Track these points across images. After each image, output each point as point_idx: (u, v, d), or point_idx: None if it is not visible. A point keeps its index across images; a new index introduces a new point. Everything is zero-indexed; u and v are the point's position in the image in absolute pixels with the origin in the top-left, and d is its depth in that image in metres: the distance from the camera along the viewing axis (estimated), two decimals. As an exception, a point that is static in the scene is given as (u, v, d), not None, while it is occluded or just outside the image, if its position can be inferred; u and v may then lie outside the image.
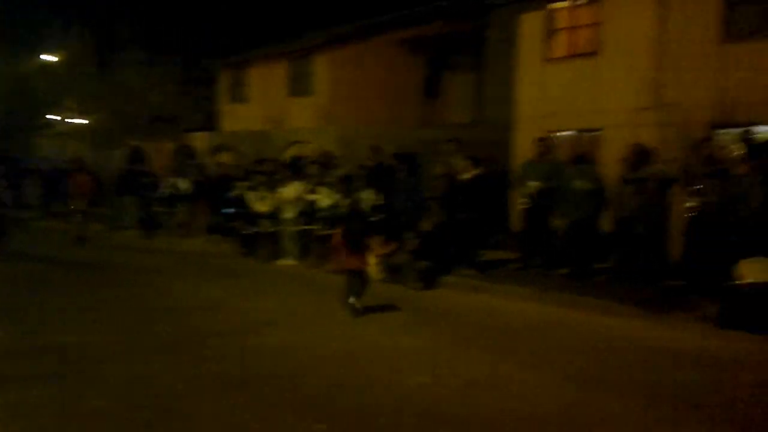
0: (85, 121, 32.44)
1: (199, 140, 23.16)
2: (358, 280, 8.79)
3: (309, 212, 12.85)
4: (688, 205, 9.73)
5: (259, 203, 13.51)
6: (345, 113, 19.99)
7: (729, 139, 10.90)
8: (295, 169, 13.78)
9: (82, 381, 6.11)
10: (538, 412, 5.52)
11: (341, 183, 12.55)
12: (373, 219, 11.88)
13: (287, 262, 13.01)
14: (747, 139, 10.00)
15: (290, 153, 17.54)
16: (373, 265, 11.15)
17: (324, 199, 12.65)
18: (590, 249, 10.75)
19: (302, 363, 6.85)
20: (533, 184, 11.25)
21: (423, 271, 10.81)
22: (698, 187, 9.61)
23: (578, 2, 14.51)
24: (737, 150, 9.84)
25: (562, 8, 14.80)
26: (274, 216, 13.31)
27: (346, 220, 9.58)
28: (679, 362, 6.92)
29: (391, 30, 21.07)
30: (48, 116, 35.11)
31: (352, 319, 8.60)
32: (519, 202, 11.87)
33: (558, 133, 14.24)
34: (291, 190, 13.12)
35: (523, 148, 13.65)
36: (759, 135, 10.51)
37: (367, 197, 12.03)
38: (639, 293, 9.30)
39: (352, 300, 8.69)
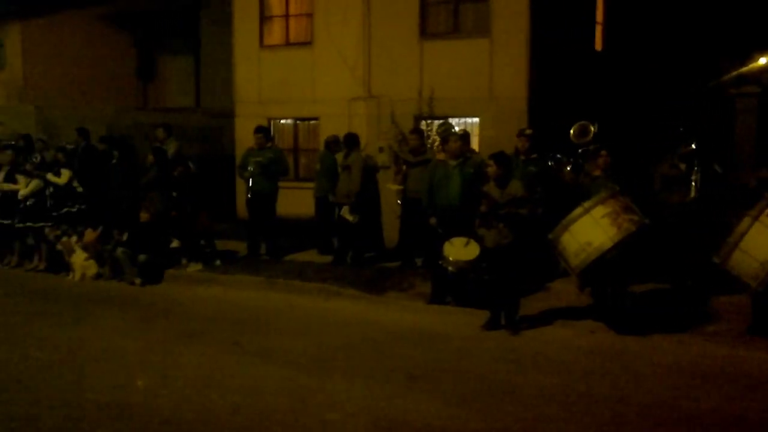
0: None
1: None
2: None
3: (6, 204, 11.82)
4: (397, 187, 10.91)
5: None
6: (46, 92, 18.80)
7: (432, 130, 12.39)
8: None
9: None
10: (268, 402, 5.91)
11: (41, 169, 11.86)
12: (71, 210, 11.63)
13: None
14: (445, 131, 11.40)
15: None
16: (83, 260, 10.99)
17: (22, 188, 11.73)
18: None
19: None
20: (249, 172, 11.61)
21: (143, 265, 10.64)
22: (406, 173, 10.82)
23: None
24: (439, 140, 11.23)
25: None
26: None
27: None
28: (396, 339, 7.85)
29: (93, 2, 20.14)
30: None
31: (60, 323, 8.42)
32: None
33: (278, 121, 14.93)
34: None
35: (244, 134, 14.00)
36: (455, 126, 12.06)
37: (57, 180, 11.69)
38: (359, 276, 10.26)
39: None
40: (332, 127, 13.10)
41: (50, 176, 11.74)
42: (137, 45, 18.51)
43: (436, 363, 7.04)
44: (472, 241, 8.46)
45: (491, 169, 8.19)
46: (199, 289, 10.37)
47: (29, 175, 11.83)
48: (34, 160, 12.14)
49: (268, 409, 5.81)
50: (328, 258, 11.48)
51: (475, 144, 12.03)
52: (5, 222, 11.87)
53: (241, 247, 12.05)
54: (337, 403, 5.91)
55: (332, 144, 11.93)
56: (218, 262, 11.33)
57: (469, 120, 13.25)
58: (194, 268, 11.05)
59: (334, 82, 14.29)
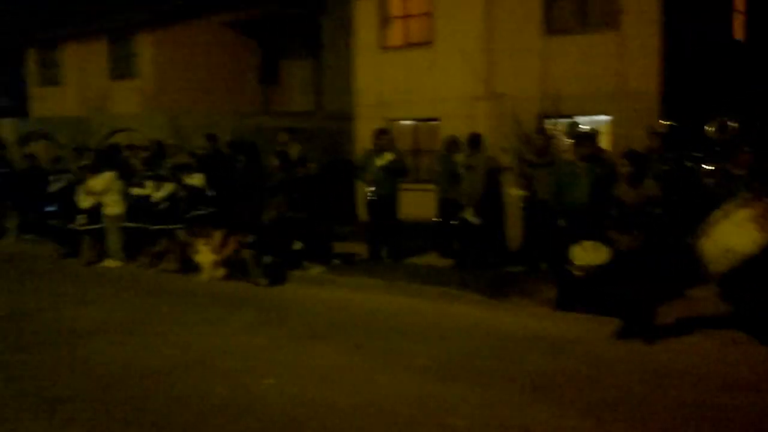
0: None
1: (6, 128, 21.92)
2: None
3: (140, 207, 12.43)
4: (519, 193, 10.72)
5: (84, 198, 12.86)
6: (175, 98, 19.65)
7: (557, 129, 12.12)
8: (109, 159, 13.42)
9: None
10: (389, 405, 5.91)
11: (173, 174, 12.35)
12: (202, 213, 12.03)
13: (112, 263, 12.65)
14: (573, 130, 11.16)
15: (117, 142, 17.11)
16: (212, 261, 11.40)
17: (156, 192, 12.31)
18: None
19: (137, 374, 6.77)
20: (370, 174, 11.66)
21: (268, 266, 10.88)
22: (530, 175, 10.62)
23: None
24: (566, 140, 11.01)
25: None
26: (95, 212, 12.75)
27: None
28: (520, 345, 7.66)
29: (219, 11, 20.92)
30: None
31: (190, 322, 8.72)
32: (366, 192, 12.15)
33: (398, 122, 14.99)
34: (100, 181, 12.62)
35: (364, 136, 14.08)
36: (583, 125, 11.76)
37: (193, 182, 12.14)
38: (482, 280, 10.11)
39: None
40: (453, 127, 13.01)
41: (188, 179, 12.22)
42: (260, 51, 19.09)
43: (562, 372, 6.81)
44: (601, 244, 8.18)
45: (625, 169, 7.91)
46: (322, 290, 10.49)
47: (163, 179, 12.36)
48: (168, 164, 12.68)
49: (387, 411, 5.81)
50: (450, 261, 11.41)
51: (604, 143, 11.68)
52: (138, 225, 12.44)
53: (361, 249, 12.14)
54: (458, 409, 5.82)
55: (451, 145, 11.86)
56: (337, 261, 11.52)
57: (597, 118, 12.87)
58: (316, 270, 11.22)
59: (455, 82, 14.21)
